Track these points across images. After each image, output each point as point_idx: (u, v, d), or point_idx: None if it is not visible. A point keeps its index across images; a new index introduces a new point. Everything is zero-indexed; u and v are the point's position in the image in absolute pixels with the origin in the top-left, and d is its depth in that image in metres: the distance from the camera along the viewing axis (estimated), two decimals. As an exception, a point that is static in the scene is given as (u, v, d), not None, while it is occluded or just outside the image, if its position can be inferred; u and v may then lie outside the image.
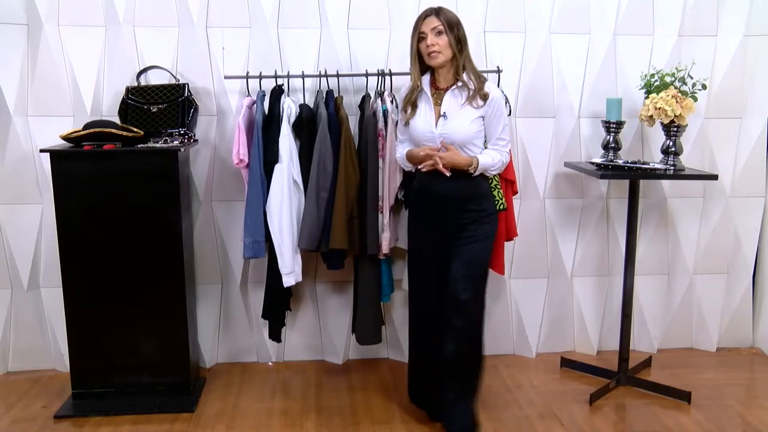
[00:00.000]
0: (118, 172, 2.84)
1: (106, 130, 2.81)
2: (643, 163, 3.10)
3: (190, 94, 3.10)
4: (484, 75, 2.61)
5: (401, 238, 3.11)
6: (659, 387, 3.09)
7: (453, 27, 2.48)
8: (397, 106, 2.97)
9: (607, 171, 3.02)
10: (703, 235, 3.53)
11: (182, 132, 2.97)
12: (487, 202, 2.60)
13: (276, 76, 3.05)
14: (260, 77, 3.05)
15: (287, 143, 2.92)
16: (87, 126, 2.85)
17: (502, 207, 2.83)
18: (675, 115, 2.96)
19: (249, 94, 3.07)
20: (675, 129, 3.05)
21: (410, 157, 2.64)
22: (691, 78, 3.07)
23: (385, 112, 2.97)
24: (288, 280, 2.96)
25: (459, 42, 2.49)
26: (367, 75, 3.07)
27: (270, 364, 3.47)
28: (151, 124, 3.02)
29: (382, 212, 3.00)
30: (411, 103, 2.59)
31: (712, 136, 3.43)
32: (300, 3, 3.18)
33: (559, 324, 3.55)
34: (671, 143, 3.08)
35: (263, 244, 2.97)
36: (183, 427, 2.81)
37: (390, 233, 3.02)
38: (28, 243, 3.24)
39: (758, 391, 3.20)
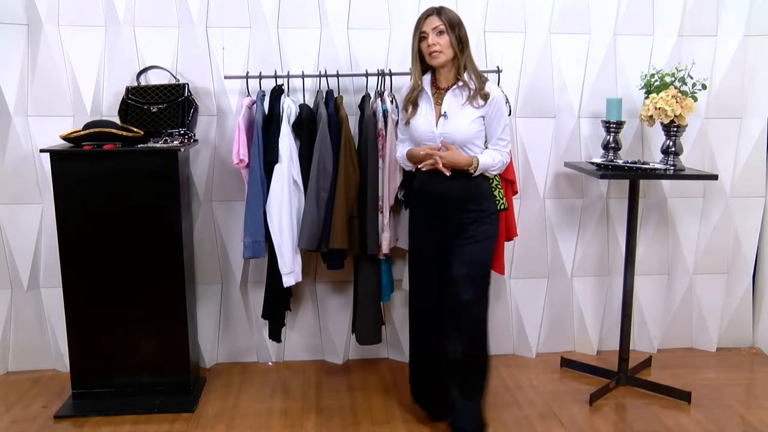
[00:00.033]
0: (118, 172, 2.84)
1: (106, 130, 2.81)
2: (643, 163, 3.10)
3: (190, 94, 3.10)
4: (485, 75, 2.61)
5: (401, 238, 3.11)
6: (659, 387, 3.09)
7: (454, 27, 2.47)
8: (397, 106, 2.97)
9: (607, 171, 3.02)
10: (703, 235, 3.53)
11: (182, 132, 2.97)
12: (488, 202, 2.60)
13: (276, 76, 3.05)
14: (260, 77, 3.04)
15: (287, 143, 2.92)
16: (87, 126, 2.85)
17: (503, 207, 2.83)
18: (675, 115, 2.96)
19: (249, 94, 3.07)
20: (675, 129, 3.05)
21: (410, 157, 2.64)
22: (691, 78, 3.07)
23: (385, 112, 2.97)
24: (288, 280, 2.96)
25: (460, 42, 2.49)
26: (367, 75, 3.07)
27: (270, 364, 3.47)
28: (151, 124, 3.02)
29: (382, 212, 3.00)
30: (412, 102, 2.59)
31: (712, 136, 3.43)
32: (300, 3, 3.18)
33: (559, 324, 3.55)
34: (671, 143, 3.08)
35: (263, 244, 2.97)
36: (183, 427, 2.81)
37: (390, 233, 3.02)
38: (28, 243, 3.24)
39: (758, 391, 3.20)
